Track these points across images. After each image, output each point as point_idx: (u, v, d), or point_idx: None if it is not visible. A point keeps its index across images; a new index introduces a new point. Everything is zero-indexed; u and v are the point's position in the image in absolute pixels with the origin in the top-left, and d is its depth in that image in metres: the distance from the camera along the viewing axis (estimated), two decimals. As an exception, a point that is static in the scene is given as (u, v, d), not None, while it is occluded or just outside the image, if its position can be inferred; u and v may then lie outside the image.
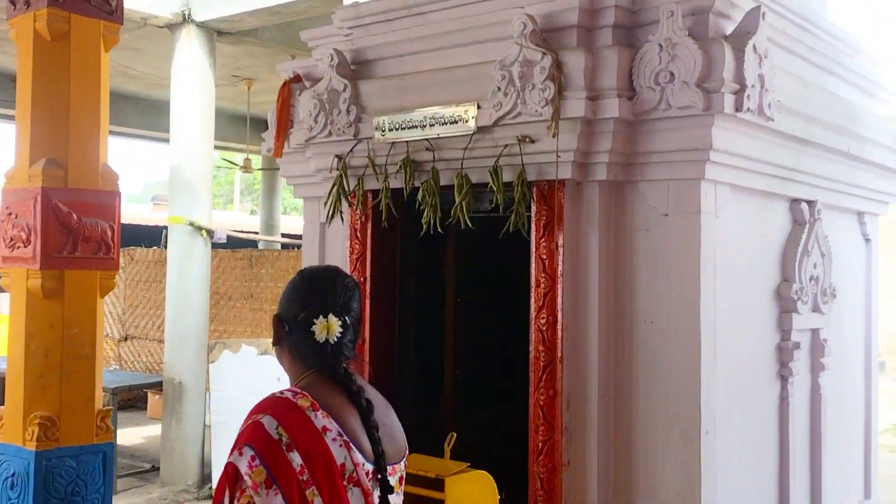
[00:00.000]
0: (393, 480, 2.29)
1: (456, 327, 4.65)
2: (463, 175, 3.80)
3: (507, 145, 3.69)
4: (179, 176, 9.39)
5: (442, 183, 3.90)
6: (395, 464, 2.31)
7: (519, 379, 5.16)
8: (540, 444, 3.69)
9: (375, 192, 4.21)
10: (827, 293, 4.40)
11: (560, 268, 3.67)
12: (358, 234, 4.35)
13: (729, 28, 3.53)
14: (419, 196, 3.91)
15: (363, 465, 2.20)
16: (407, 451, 2.41)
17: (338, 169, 4.26)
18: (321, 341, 2.28)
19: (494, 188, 3.66)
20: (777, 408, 4.12)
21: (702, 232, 3.48)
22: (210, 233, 9.51)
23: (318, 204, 4.76)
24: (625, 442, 3.65)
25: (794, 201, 4.21)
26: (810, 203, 4.26)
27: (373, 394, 2.33)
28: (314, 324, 2.28)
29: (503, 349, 5.01)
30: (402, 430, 2.39)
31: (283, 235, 18.20)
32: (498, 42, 3.79)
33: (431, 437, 4.39)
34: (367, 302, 4.30)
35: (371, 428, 2.23)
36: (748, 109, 3.36)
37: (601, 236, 3.65)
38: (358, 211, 4.28)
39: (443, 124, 3.86)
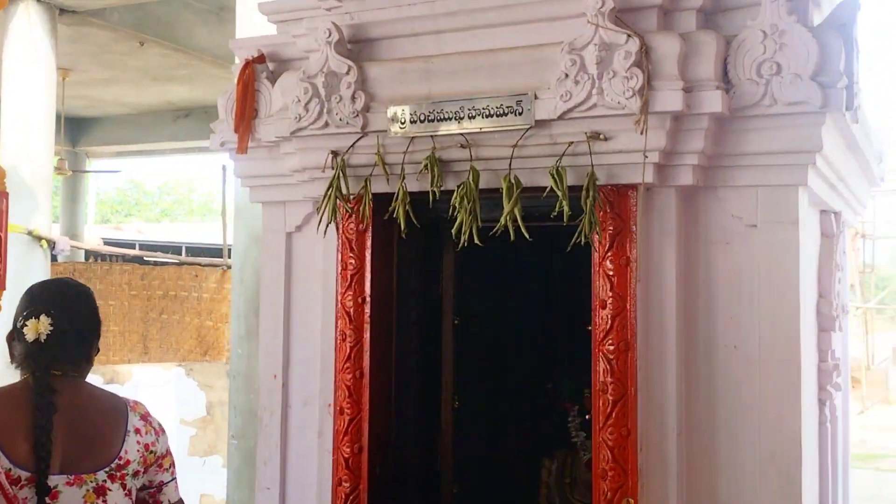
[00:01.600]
0: (78, 492, 2.28)
1: (455, 351, 4.05)
2: (514, 177, 3.22)
3: (571, 143, 3.16)
4: (15, 178, 8.06)
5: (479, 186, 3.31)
6: (82, 473, 2.31)
7: (514, 405, 4.70)
8: (609, 492, 3.18)
9: (379, 196, 3.54)
10: (844, 309, 4.21)
11: (632, 286, 3.18)
12: (353, 245, 3.65)
13: (817, 17, 3.21)
14: (454, 201, 3.29)
15: (11, 469, 2.22)
16: (117, 463, 2.37)
17: (333, 167, 3.55)
18: (30, 340, 2.38)
19: (559, 192, 3.12)
20: (818, 434, 3.84)
21: (799, 245, 3.11)
22: (51, 243, 8.24)
23: (283, 210, 4.02)
24: (707, 485, 3.21)
25: (824, 212, 3.97)
26: (836, 214, 4.04)
27: (83, 396, 2.41)
28: (26, 325, 2.40)
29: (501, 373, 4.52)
30: (115, 440, 2.39)
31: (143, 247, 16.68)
32: (554, 21, 3.26)
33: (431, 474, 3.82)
34: (368, 327, 3.62)
35: (39, 431, 2.22)
36: (857, 108, 3.04)
37: (678, 250, 3.20)
38: (360, 218, 3.59)
39: (487, 117, 3.27)
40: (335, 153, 3.56)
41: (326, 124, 3.53)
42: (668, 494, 3.19)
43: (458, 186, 3.30)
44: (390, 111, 3.42)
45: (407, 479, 3.86)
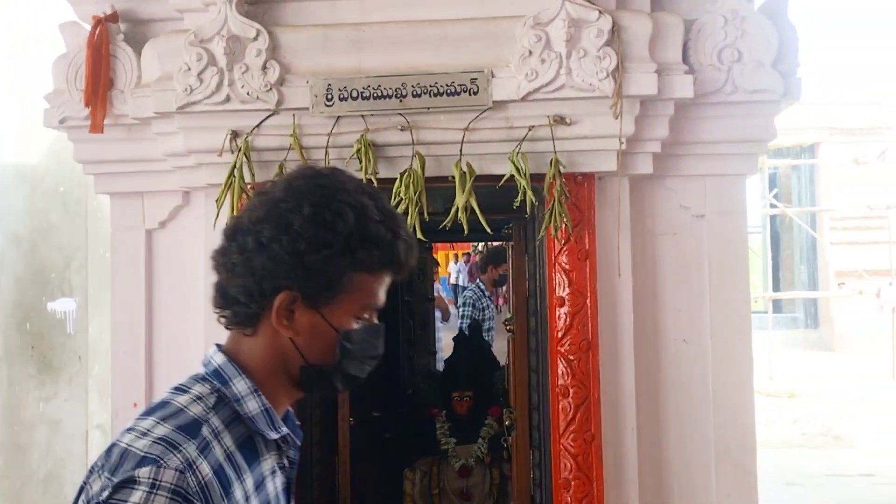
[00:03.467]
0: None
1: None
2: (467, 164, 2.90)
3: (532, 126, 2.90)
4: None
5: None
6: None
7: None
8: (573, 503, 2.98)
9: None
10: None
11: (592, 281, 3.00)
12: (253, 244, 3.10)
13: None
14: (397, 190, 2.90)
15: None
16: None
17: (233, 150, 2.99)
18: None
19: (522, 181, 2.85)
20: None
21: (747, 236, 3.12)
22: None
23: (141, 202, 3.35)
24: (660, 482, 3.12)
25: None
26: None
27: None
28: None
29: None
30: None
31: None
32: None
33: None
34: (274, 340, 3.09)
35: None
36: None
37: (633, 242, 3.08)
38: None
39: (436, 95, 2.91)
40: (235, 133, 2.99)
41: (228, 98, 2.96)
42: (627, 499, 3.05)
43: (402, 174, 2.90)
44: (311, 85, 2.94)
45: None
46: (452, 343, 4.99)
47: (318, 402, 3.43)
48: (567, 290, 3.01)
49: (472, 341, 4.89)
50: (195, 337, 3.27)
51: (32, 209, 5.24)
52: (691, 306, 3.15)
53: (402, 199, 2.89)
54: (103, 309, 5.69)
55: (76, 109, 3.20)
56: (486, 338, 5.80)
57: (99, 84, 3.15)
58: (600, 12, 2.84)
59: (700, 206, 3.12)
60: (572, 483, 2.99)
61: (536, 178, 2.91)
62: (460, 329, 4.99)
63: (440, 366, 5.82)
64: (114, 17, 3.23)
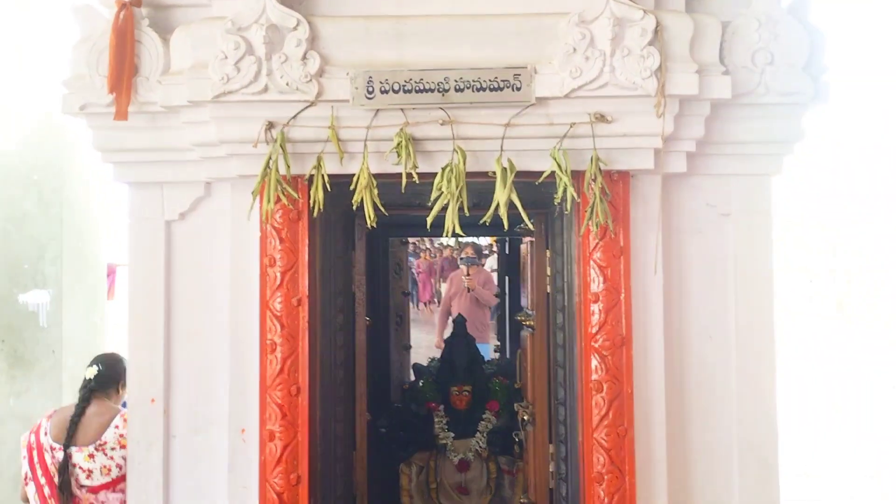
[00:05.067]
0: (81, 454, 3.61)
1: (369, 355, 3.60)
2: (507, 160, 2.92)
3: (573, 124, 2.94)
4: None
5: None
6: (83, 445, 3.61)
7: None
8: (606, 497, 3.03)
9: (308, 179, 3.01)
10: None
11: (626, 278, 3.05)
12: (284, 237, 3.07)
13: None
14: (437, 184, 2.90)
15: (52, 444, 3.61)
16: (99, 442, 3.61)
17: (267, 142, 2.95)
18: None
19: (564, 177, 2.88)
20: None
21: (772, 234, 3.21)
22: None
23: (161, 193, 3.28)
24: (683, 477, 3.20)
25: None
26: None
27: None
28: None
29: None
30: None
31: None
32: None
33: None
34: (304, 334, 3.07)
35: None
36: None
37: (664, 238, 3.14)
38: (305, 202, 3.02)
39: (478, 90, 2.92)
40: (271, 124, 2.95)
41: (266, 88, 2.92)
42: (657, 491, 3.12)
43: (444, 168, 2.91)
44: (352, 77, 2.91)
45: (338, 507, 3.36)
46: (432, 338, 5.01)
47: (340, 397, 3.41)
48: (602, 286, 3.05)
49: (463, 336, 4.91)
50: (217, 331, 3.23)
51: (4, 197, 5.06)
52: (716, 303, 3.22)
53: (442, 192, 2.90)
54: (77, 301, 5.53)
55: (98, 96, 3.11)
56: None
57: (124, 70, 3.07)
58: (644, 12, 2.88)
59: (726, 205, 3.20)
60: (605, 477, 3.04)
61: (572, 176, 2.95)
62: (454, 324, 5.00)
63: (413, 361, 5.83)
64: (137, 2, 3.14)
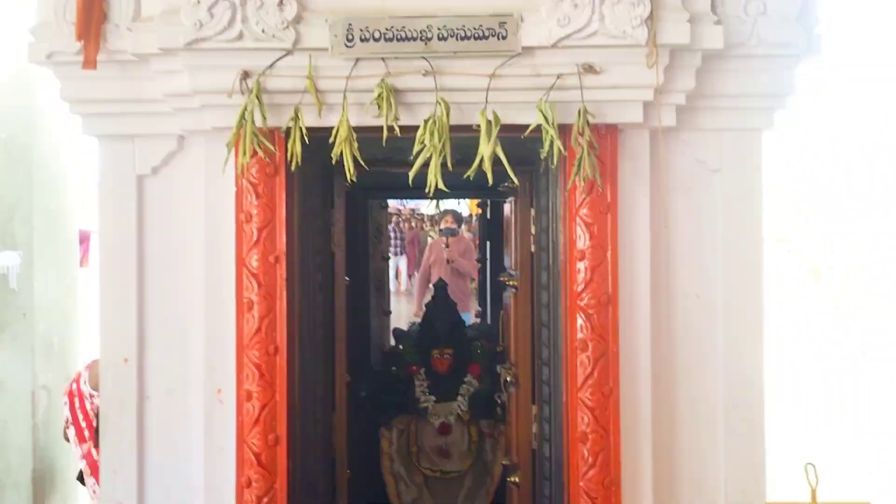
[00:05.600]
0: None
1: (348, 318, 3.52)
2: (492, 112, 2.83)
3: (560, 75, 2.85)
4: None
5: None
6: None
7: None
8: (590, 456, 2.98)
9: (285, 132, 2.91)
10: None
11: (612, 235, 2.98)
12: (261, 192, 2.97)
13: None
14: (420, 137, 2.81)
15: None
16: None
17: (243, 92, 2.84)
18: None
19: (550, 130, 2.80)
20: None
21: (762, 191, 3.15)
22: None
23: (132, 146, 3.17)
24: (669, 436, 3.16)
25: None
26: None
27: None
28: None
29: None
30: None
31: None
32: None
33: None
34: (283, 293, 2.98)
35: None
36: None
37: (651, 196, 3.07)
38: (282, 156, 2.92)
39: (462, 39, 2.82)
40: (247, 74, 2.84)
41: (240, 36, 2.81)
42: (642, 450, 3.07)
43: (426, 121, 2.81)
44: (331, 24, 2.81)
45: (318, 473, 3.29)
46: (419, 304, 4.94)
47: (320, 358, 3.33)
48: (588, 244, 2.98)
49: (445, 300, 4.84)
50: (192, 290, 3.13)
51: (-30, 156, 4.91)
52: (704, 262, 3.16)
53: (425, 146, 2.81)
54: (49, 263, 5.40)
55: (65, 44, 2.98)
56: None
57: (92, 17, 2.94)
58: (634, -42, 2.79)
59: (716, 161, 3.13)
60: (590, 436, 2.99)
61: (559, 130, 2.86)
62: (434, 287, 4.94)
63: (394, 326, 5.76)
64: (106, -56, 3.01)
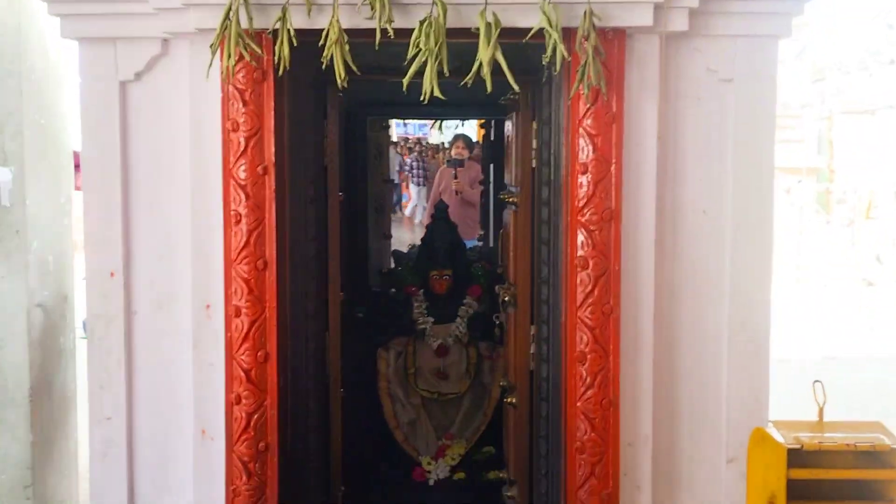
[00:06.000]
0: None
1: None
2: (493, 14, 2.66)
3: (564, -27, 2.67)
4: None
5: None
6: None
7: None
8: (588, 376, 2.90)
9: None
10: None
11: (618, 146, 2.84)
12: (248, 99, 2.83)
13: None
14: (414, 41, 2.65)
15: None
16: None
17: (229, -9, 2.68)
18: None
19: (553, 34, 2.63)
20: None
21: (776, 102, 2.99)
22: None
23: (114, 50, 3.01)
24: (671, 357, 3.07)
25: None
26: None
27: None
28: None
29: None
30: None
31: None
32: None
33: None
34: (271, 205, 2.86)
35: None
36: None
37: (659, 106, 2.92)
38: (270, 61, 2.77)
39: (459, -67, 2.64)
40: (232, -30, 2.67)
41: (224, -73, 2.63)
42: (642, 370, 2.99)
43: (422, 22, 2.65)
44: (321, -83, 2.62)
45: (310, 391, 3.22)
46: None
47: (312, 274, 3.23)
48: (591, 156, 2.84)
49: (444, 221, 4.71)
50: (178, 202, 3.02)
51: (-45, 67, 4.74)
52: (712, 176, 3.03)
53: (420, 50, 2.65)
54: (41, 179, 5.28)
55: (40, -63, 2.81)
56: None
57: None
58: None
59: (728, 70, 2.97)
60: (588, 356, 2.90)
61: (563, 34, 2.70)
62: (435, 209, 4.81)
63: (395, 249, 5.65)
64: None
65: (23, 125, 5.08)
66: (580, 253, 2.87)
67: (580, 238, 2.87)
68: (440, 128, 8.13)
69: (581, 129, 2.83)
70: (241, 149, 2.85)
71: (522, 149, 3.30)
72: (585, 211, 2.86)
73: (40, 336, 5.21)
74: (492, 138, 6.24)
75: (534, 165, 3.33)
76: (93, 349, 3.11)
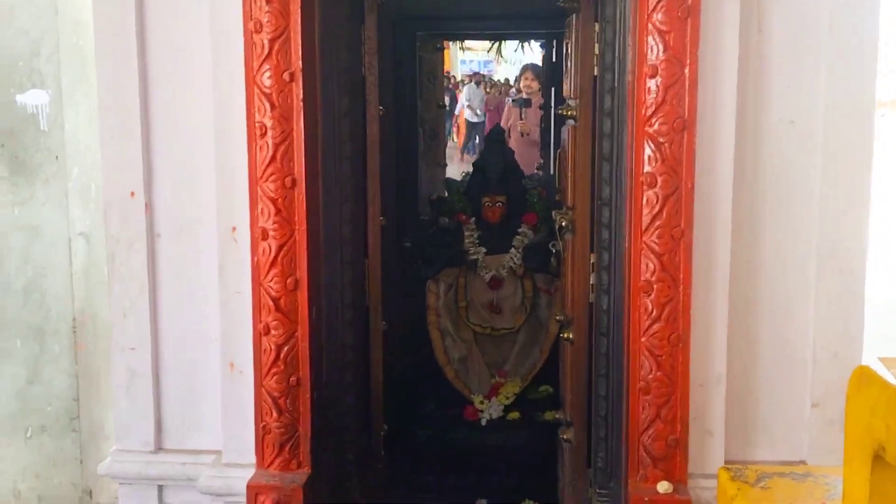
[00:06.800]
0: None
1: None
2: None
3: None
4: None
5: None
6: None
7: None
8: (654, 308, 2.57)
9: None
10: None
11: (689, 45, 2.46)
12: (272, -4, 2.52)
13: None
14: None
15: None
16: None
17: None
18: None
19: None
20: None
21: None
22: None
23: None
24: (751, 288, 2.72)
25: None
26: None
27: None
28: None
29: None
30: None
31: None
32: None
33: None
34: (299, 116, 2.57)
35: None
36: None
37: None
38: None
39: None
40: None
41: None
42: (716, 302, 2.65)
43: None
44: None
45: (346, 321, 2.96)
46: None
47: (347, 195, 2.94)
48: (661, 57, 2.47)
49: (500, 144, 4.38)
50: (202, 115, 2.75)
51: (-14, -15, 4.53)
52: (803, 82, 2.64)
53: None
54: (79, 102, 5.09)
55: None
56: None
57: None
58: None
59: (820, -46, 2.56)
60: (655, 286, 2.57)
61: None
62: (490, 132, 4.48)
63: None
64: None
65: (59, 47, 4.88)
66: (647, 169, 2.53)
67: (647, 152, 2.52)
68: (499, 50, 7.63)
69: (650, 26, 2.46)
70: (266, 52, 2.55)
71: (583, 54, 2.92)
72: (654, 120, 2.50)
73: (83, 266, 5.07)
74: (553, 59, 5.86)
75: (595, 73, 2.96)
76: (114, 275, 2.89)
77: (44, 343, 4.98)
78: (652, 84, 2.49)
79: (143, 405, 2.91)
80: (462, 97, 13.19)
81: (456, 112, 13.00)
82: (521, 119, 7.54)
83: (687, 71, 2.48)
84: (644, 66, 2.49)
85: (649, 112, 2.50)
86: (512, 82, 11.55)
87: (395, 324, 3.52)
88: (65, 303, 5.04)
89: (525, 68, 8.00)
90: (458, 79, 14.24)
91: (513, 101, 8.09)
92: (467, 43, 10.04)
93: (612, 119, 2.78)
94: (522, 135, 7.58)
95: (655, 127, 2.51)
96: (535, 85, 7.81)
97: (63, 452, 4.73)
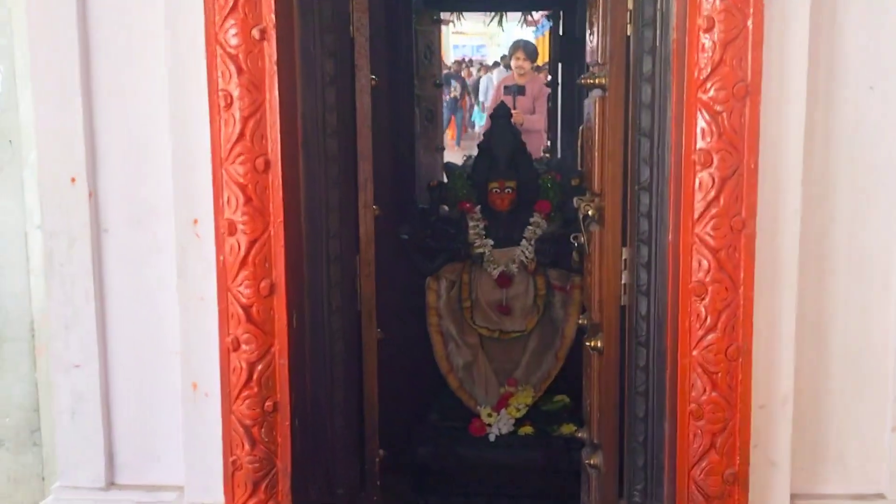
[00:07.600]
0: None
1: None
2: None
3: None
4: None
5: None
6: None
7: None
8: (709, 316, 2.12)
9: None
10: None
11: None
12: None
13: None
14: None
15: None
16: None
17: None
18: None
19: None
20: None
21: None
22: None
23: None
24: (816, 288, 2.28)
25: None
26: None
27: None
28: None
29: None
30: None
31: None
32: None
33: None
34: (272, 81, 2.10)
35: None
36: None
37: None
38: None
39: None
40: None
41: None
42: (782, 306, 2.21)
43: None
44: None
45: (334, 333, 2.51)
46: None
47: (333, 179, 2.48)
48: (719, 6, 2.02)
49: (506, 123, 3.92)
50: (156, 85, 2.29)
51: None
52: (883, 41, 2.20)
53: None
54: (37, 82, 4.65)
55: None
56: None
57: None
58: None
59: None
60: (709, 288, 2.13)
61: None
62: (495, 109, 4.02)
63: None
64: None
65: (11, 16, 4.42)
66: (700, 145, 2.08)
67: (701, 124, 2.07)
68: (500, 22, 7.07)
69: (705, -27, 2.00)
70: (230, 4, 2.09)
71: (613, 9, 2.46)
72: (709, 85, 2.06)
73: (41, 262, 4.63)
74: (560, 32, 5.42)
75: (629, 32, 2.49)
76: (53, 278, 2.43)
77: (2, 348, 4.56)
78: (707, 40, 2.04)
79: (91, 433, 2.46)
80: (482, 88, 12.62)
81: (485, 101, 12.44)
82: (514, 108, 7.00)
83: (750, 23, 2.03)
84: (697, 17, 2.04)
85: (703, 75, 2.06)
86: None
87: (389, 329, 3.07)
88: (22, 302, 4.61)
89: (516, 46, 7.37)
90: (449, 64, 13.80)
91: (505, 88, 7.55)
92: (459, 28, 9.53)
93: (652, 86, 2.32)
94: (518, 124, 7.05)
95: (711, 93, 2.06)
96: (528, 66, 7.26)
97: (24, 469, 4.36)
